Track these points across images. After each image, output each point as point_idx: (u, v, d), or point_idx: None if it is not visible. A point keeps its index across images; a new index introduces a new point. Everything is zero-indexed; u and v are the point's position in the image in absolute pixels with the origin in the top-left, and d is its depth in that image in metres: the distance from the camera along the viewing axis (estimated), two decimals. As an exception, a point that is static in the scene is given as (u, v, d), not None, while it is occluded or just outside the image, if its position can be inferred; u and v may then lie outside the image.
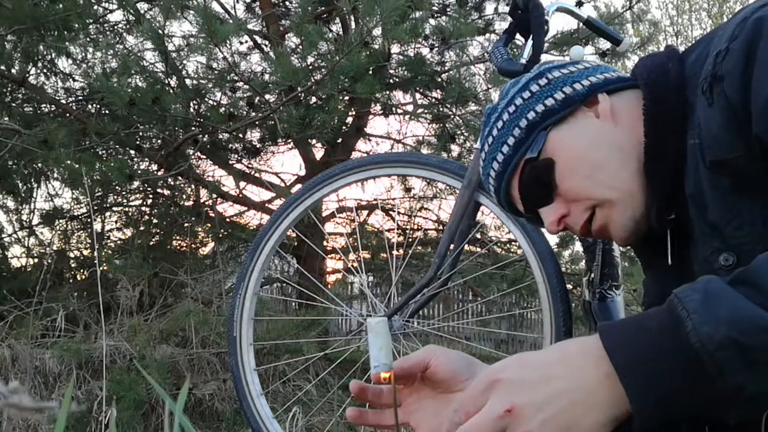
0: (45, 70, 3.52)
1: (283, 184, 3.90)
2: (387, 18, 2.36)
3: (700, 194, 0.78)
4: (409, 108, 3.95)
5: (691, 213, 0.80)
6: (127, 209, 3.81)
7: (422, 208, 4.42)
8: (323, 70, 3.00)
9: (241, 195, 3.69)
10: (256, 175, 3.67)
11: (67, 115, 3.20)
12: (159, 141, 3.31)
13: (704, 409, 0.57)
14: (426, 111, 3.90)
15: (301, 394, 2.53)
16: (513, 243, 3.97)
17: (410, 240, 3.72)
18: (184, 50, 3.46)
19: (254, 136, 3.57)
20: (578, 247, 4.08)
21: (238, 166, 3.64)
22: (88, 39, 3.23)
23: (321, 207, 3.52)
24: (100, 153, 3.21)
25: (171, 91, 3.01)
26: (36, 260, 3.53)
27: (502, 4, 3.78)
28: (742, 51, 0.70)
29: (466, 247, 1.74)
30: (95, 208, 3.36)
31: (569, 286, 3.43)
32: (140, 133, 3.19)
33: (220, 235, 3.54)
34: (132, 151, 3.34)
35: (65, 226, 3.56)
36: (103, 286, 2.25)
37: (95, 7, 3.24)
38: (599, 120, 0.89)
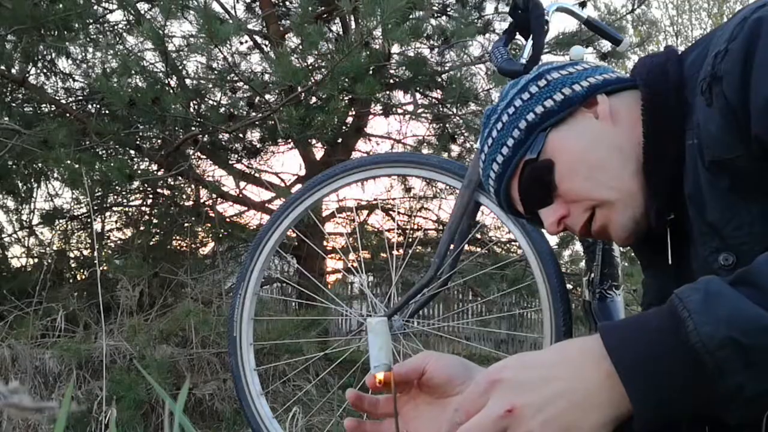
0: (45, 70, 3.52)
1: (283, 184, 3.90)
2: (387, 18, 2.36)
3: (699, 194, 0.78)
4: (410, 108, 3.95)
5: (690, 213, 0.81)
6: (127, 209, 3.81)
7: (422, 208, 4.42)
8: (323, 70, 3.00)
9: (241, 195, 3.69)
10: (256, 175, 3.67)
11: (67, 115, 3.19)
12: (159, 141, 3.31)
13: (705, 409, 0.57)
14: (426, 111, 3.90)
15: (301, 394, 2.53)
16: (513, 243, 3.97)
17: (410, 240, 3.71)
18: (184, 50, 3.45)
19: (254, 136, 3.58)
20: (578, 247, 4.08)
21: (238, 166, 3.64)
22: (88, 39, 3.23)
23: (321, 207, 3.52)
24: (100, 153, 3.21)
25: (171, 91, 3.01)
26: (36, 260, 3.53)
27: (503, 4, 3.78)
28: (741, 51, 0.70)
29: (466, 247, 1.74)
30: (95, 208, 3.36)
31: (569, 286, 3.44)
32: (140, 133, 3.19)
33: (220, 235, 3.54)
34: (132, 151, 3.34)
35: (65, 226, 3.56)
36: (103, 286, 2.25)
37: (95, 7, 3.24)
38: (598, 121, 0.89)
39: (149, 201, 3.78)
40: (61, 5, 2.77)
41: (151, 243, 3.50)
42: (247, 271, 1.83)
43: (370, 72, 2.86)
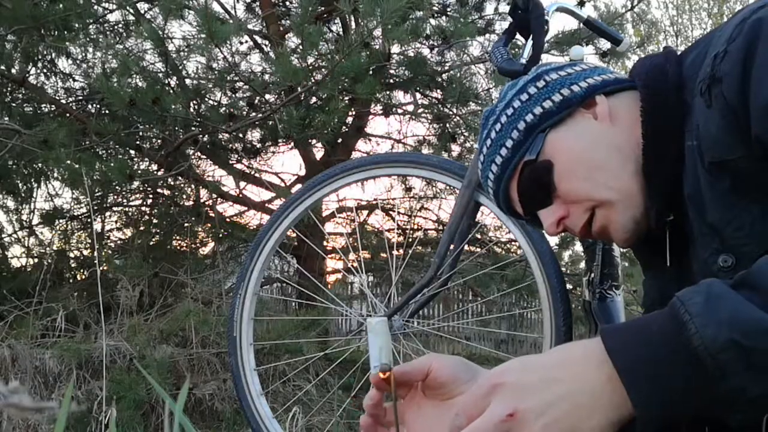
0: (45, 70, 3.52)
1: (283, 184, 3.90)
2: (387, 18, 2.36)
3: (699, 195, 0.78)
4: (410, 108, 3.95)
5: (690, 214, 0.81)
6: (127, 209, 3.81)
7: (422, 208, 4.42)
8: (323, 70, 3.00)
9: (241, 195, 3.69)
10: (256, 175, 3.67)
11: (67, 115, 3.19)
12: (159, 141, 3.31)
13: (706, 411, 0.57)
14: (426, 111, 3.90)
15: (301, 394, 2.53)
16: (513, 243, 3.97)
17: (410, 240, 3.72)
18: (184, 50, 3.45)
19: (254, 136, 3.58)
20: (578, 247, 4.08)
21: (238, 166, 3.64)
22: (88, 39, 3.23)
23: (321, 207, 3.52)
24: (100, 153, 3.21)
25: (171, 91, 3.01)
26: (36, 260, 3.53)
27: (503, 3, 3.78)
28: (740, 53, 0.69)
29: (466, 247, 1.74)
30: (95, 208, 3.36)
31: (569, 286, 3.44)
32: (140, 133, 3.19)
33: (220, 235, 3.54)
34: (132, 151, 3.34)
35: (65, 226, 3.56)
36: (103, 286, 2.25)
37: (95, 7, 3.24)
38: (597, 121, 0.89)
39: (149, 201, 3.78)
40: (61, 5, 2.77)
41: (151, 243, 3.50)
42: (247, 271, 1.83)
43: (370, 72, 2.86)
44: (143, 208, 3.81)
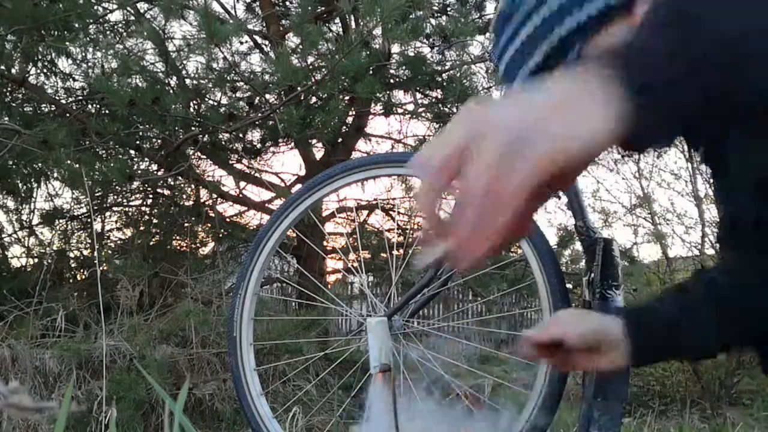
0: (45, 70, 3.52)
1: (283, 184, 3.90)
2: (387, 18, 2.36)
3: None
4: (410, 107, 3.95)
5: None
6: (127, 209, 3.81)
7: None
8: (323, 70, 3.00)
9: (241, 195, 3.69)
10: (256, 175, 3.67)
11: (67, 115, 3.19)
12: (159, 141, 3.31)
13: None
14: (426, 110, 3.90)
15: (301, 394, 2.53)
16: (513, 243, 3.96)
17: (410, 240, 3.71)
18: (184, 50, 3.45)
19: (254, 136, 3.57)
20: (578, 246, 4.08)
21: (238, 166, 3.64)
22: (88, 39, 3.23)
23: (321, 207, 3.52)
24: (100, 153, 3.21)
25: (171, 91, 3.01)
26: (36, 260, 3.53)
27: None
28: None
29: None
30: (95, 208, 3.36)
31: (569, 286, 3.43)
32: (140, 133, 3.19)
33: (220, 235, 3.54)
34: (132, 151, 3.34)
35: (65, 226, 3.56)
36: (103, 286, 2.25)
37: (95, 7, 3.23)
38: None
39: (149, 201, 3.78)
40: (61, 5, 2.77)
41: (151, 243, 3.50)
42: (247, 271, 1.83)
43: (370, 71, 2.86)
44: (143, 208, 3.81)
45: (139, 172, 3.23)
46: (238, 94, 3.48)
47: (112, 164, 2.76)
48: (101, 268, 2.96)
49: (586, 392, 1.39)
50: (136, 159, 3.40)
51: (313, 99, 3.04)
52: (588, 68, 0.48)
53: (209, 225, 3.47)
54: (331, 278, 4.34)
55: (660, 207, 6.37)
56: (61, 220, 3.50)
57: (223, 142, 3.47)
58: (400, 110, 3.98)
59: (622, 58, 0.48)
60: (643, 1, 0.76)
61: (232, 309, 1.83)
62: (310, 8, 2.77)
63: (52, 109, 3.35)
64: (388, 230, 4.24)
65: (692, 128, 0.59)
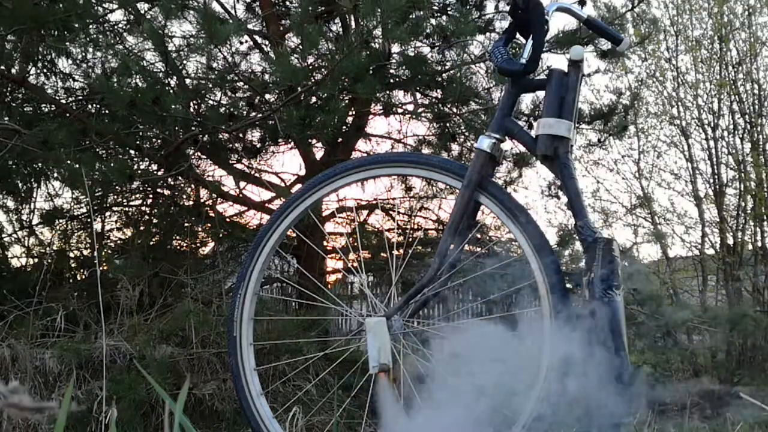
0: (45, 70, 3.52)
1: (283, 184, 3.90)
2: (387, 17, 2.36)
3: None
4: (410, 107, 3.95)
5: None
6: (127, 209, 3.81)
7: (422, 208, 4.42)
8: (323, 70, 3.00)
9: (241, 195, 3.68)
10: (256, 175, 3.67)
11: (67, 115, 3.19)
12: (159, 141, 3.31)
13: None
14: (426, 110, 3.90)
15: (301, 394, 2.53)
16: (513, 243, 3.97)
17: (410, 240, 3.71)
18: (184, 50, 3.45)
19: (254, 136, 3.57)
20: (578, 246, 4.08)
21: (238, 166, 3.63)
22: (88, 39, 3.23)
23: (321, 207, 3.52)
24: (100, 153, 3.21)
25: (171, 91, 3.00)
26: (36, 260, 3.53)
27: (503, 2, 3.78)
28: None
29: (466, 247, 1.74)
30: (95, 208, 3.36)
31: (569, 286, 3.43)
32: (140, 133, 3.19)
33: (220, 235, 3.53)
34: (132, 151, 3.34)
35: (65, 226, 3.56)
36: (103, 286, 2.25)
37: (95, 7, 3.23)
38: None
39: (149, 201, 3.78)
40: (61, 5, 2.77)
41: (151, 243, 3.50)
42: (247, 271, 1.83)
43: (370, 71, 2.85)
44: (143, 208, 3.81)
45: (139, 172, 3.22)
46: (238, 94, 3.48)
47: (112, 164, 2.76)
48: (101, 268, 2.96)
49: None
50: (136, 159, 3.39)
51: (313, 99, 3.03)
52: None
53: (209, 225, 3.47)
54: (331, 278, 4.33)
55: (660, 207, 6.38)
56: (61, 220, 3.50)
57: (223, 142, 3.47)
58: (400, 110, 3.98)
59: None
60: None
61: (232, 309, 1.83)
62: (310, 8, 2.77)
63: (52, 109, 3.35)
64: (388, 230, 4.24)
65: None
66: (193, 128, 3.06)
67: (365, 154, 4.20)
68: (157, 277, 3.04)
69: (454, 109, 3.60)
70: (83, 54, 3.43)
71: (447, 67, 3.62)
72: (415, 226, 4.36)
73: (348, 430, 2.35)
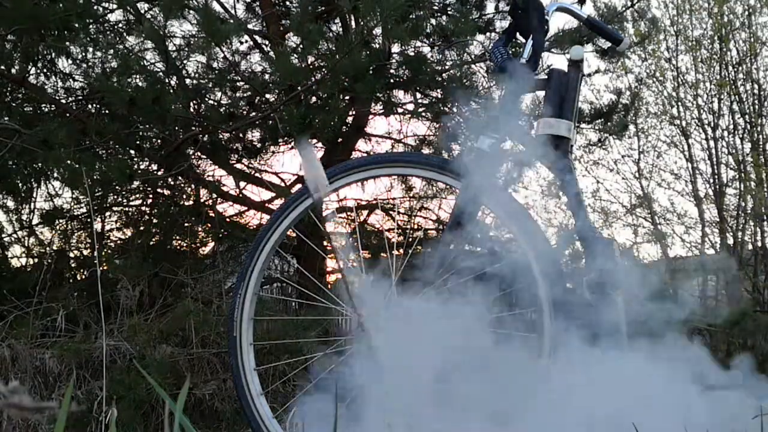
0: (45, 70, 3.52)
1: (283, 184, 3.90)
2: (387, 17, 2.36)
3: None
4: (410, 107, 3.95)
5: None
6: (127, 209, 3.81)
7: (422, 208, 4.41)
8: (324, 69, 3.00)
9: (241, 195, 3.68)
10: (256, 175, 3.67)
11: (67, 115, 3.19)
12: (159, 141, 3.31)
13: None
14: (426, 110, 3.90)
15: (302, 394, 2.53)
16: (513, 243, 3.96)
17: (410, 240, 3.71)
18: (184, 50, 3.45)
19: (254, 136, 3.57)
20: (578, 246, 4.07)
21: (238, 166, 3.63)
22: (88, 39, 3.23)
23: (321, 207, 3.51)
24: (100, 153, 3.21)
25: (171, 91, 3.00)
26: (36, 260, 3.53)
27: (503, 2, 3.78)
28: None
29: (467, 247, 1.74)
30: (95, 208, 3.36)
31: (569, 286, 3.43)
32: (140, 133, 3.19)
33: (220, 235, 3.53)
34: (132, 151, 3.34)
35: (65, 226, 3.56)
36: (103, 286, 2.25)
37: (95, 7, 3.23)
38: None
39: (149, 201, 3.78)
40: (61, 5, 2.77)
41: (151, 243, 3.50)
42: (247, 271, 1.83)
43: (370, 71, 2.85)
44: (143, 208, 3.81)
45: (139, 172, 3.23)
46: (239, 94, 3.48)
47: (112, 164, 2.76)
48: (101, 268, 2.95)
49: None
50: (136, 159, 3.39)
51: (314, 99, 3.04)
52: None
53: (209, 225, 3.47)
54: (331, 278, 4.33)
55: (660, 207, 6.38)
56: (61, 220, 3.50)
57: (223, 142, 3.47)
58: (400, 110, 3.98)
59: None
60: None
61: (232, 309, 1.83)
62: (310, 8, 2.77)
63: (52, 108, 3.35)
64: (388, 230, 4.24)
65: None
66: (193, 128, 3.06)
67: (365, 154, 4.19)
68: (157, 277, 3.04)
69: (454, 109, 3.60)
70: (83, 54, 3.43)
71: (447, 67, 3.63)
72: (415, 226, 4.36)
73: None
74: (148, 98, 2.62)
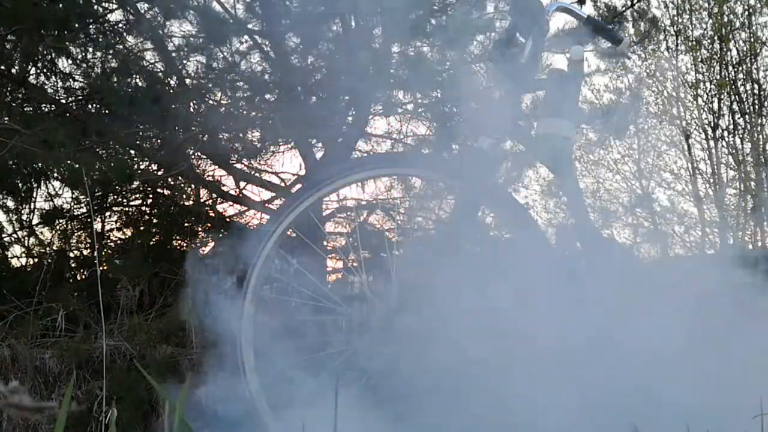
0: (45, 70, 3.52)
1: (283, 184, 3.90)
2: (387, 17, 2.36)
3: None
4: (410, 107, 3.94)
5: None
6: (127, 209, 3.81)
7: (422, 208, 4.41)
8: (324, 69, 3.00)
9: (241, 195, 3.68)
10: (256, 175, 3.67)
11: (67, 114, 3.19)
12: (159, 141, 3.31)
13: None
14: (426, 110, 3.89)
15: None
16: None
17: (410, 240, 3.71)
18: (184, 50, 3.45)
19: (254, 136, 3.57)
20: (578, 246, 4.07)
21: (238, 166, 3.63)
22: (88, 39, 3.23)
23: (321, 207, 3.52)
24: (100, 153, 3.21)
25: (171, 91, 3.00)
26: (36, 260, 3.52)
27: (503, 2, 3.78)
28: None
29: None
30: (95, 208, 3.36)
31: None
32: (140, 133, 3.19)
33: (220, 235, 3.53)
34: (132, 151, 3.34)
35: (65, 226, 3.56)
36: (103, 286, 2.25)
37: (95, 7, 3.23)
38: None
39: (149, 201, 3.78)
40: (61, 5, 2.77)
41: (151, 243, 3.49)
42: (248, 271, 1.83)
43: (370, 71, 2.86)
44: (143, 208, 3.81)
45: (139, 172, 3.22)
46: (238, 94, 3.48)
47: (112, 164, 2.76)
48: (101, 268, 2.96)
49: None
50: (136, 159, 3.39)
51: (313, 99, 3.04)
52: None
53: (209, 225, 3.46)
54: (331, 278, 4.33)
55: (660, 207, 6.38)
56: (61, 220, 3.50)
57: (223, 142, 3.47)
58: (400, 110, 3.97)
59: None
60: None
61: (233, 309, 1.83)
62: (310, 8, 2.77)
63: (52, 108, 3.35)
64: (388, 230, 4.23)
65: None
66: (193, 128, 3.06)
67: (365, 154, 4.19)
68: (157, 277, 3.04)
69: (455, 109, 3.60)
70: (83, 54, 3.43)
71: (447, 67, 3.62)
72: (415, 226, 4.35)
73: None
74: (148, 98, 2.62)
